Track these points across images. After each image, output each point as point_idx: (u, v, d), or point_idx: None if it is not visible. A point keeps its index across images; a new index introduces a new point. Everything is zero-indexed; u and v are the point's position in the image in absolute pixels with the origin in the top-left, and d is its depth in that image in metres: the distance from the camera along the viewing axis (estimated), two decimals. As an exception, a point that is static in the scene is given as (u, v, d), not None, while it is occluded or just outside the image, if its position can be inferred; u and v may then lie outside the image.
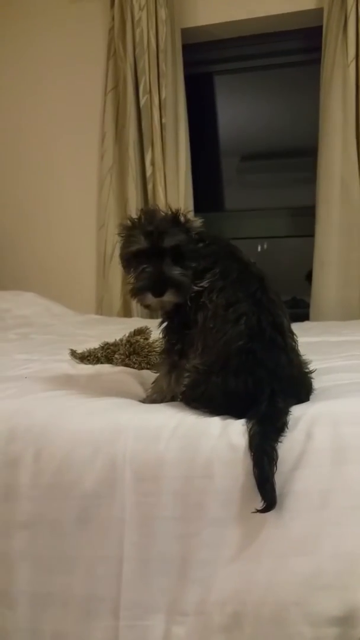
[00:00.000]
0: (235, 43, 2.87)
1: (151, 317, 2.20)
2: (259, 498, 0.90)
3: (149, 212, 1.14)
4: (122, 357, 1.55)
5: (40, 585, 1.03)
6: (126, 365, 1.52)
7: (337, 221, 2.50)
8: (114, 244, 2.81)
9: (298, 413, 1.00)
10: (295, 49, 2.88)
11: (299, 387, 1.08)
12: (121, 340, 1.62)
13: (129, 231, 1.14)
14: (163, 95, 2.67)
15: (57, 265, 3.02)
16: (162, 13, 2.64)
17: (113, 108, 2.80)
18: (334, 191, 2.49)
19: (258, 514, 0.90)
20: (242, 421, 0.99)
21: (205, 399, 1.05)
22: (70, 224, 3.01)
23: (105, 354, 1.59)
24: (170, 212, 1.13)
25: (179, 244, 1.09)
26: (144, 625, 0.97)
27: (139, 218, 1.14)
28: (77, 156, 2.96)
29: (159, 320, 1.19)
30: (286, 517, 0.92)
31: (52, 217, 3.04)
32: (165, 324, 1.17)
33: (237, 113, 3.23)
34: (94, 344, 1.68)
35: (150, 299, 1.09)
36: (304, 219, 2.74)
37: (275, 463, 0.91)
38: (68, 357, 1.62)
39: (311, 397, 1.09)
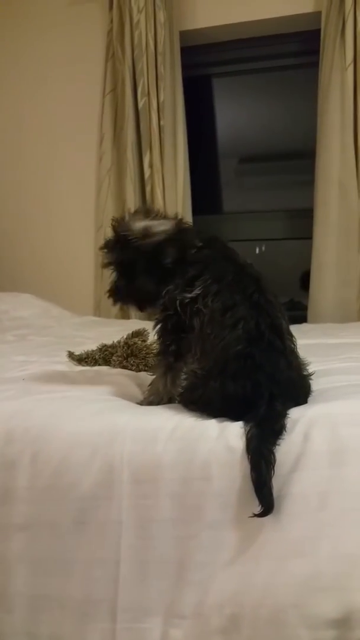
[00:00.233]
0: (234, 46, 2.87)
1: (149, 319, 2.20)
2: (257, 501, 0.90)
3: (115, 225, 1.22)
4: (120, 359, 1.54)
5: (37, 587, 1.02)
6: (124, 367, 1.52)
7: (335, 223, 2.50)
8: (112, 246, 2.80)
9: (296, 415, 1.00)
10: (293, 52, 2.89)
11: (298, 390, 1.08)
12: (119, 342, 1.62)
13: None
14: (161, 98, 2.67)
15: (55, 267, 3.02)
16: (161, 15, 2.65)
17: (111, 110, 2.80)
18: (331, 193, 2.49)
19: (256, 516, 0.90)
20: (240, 423, 0.99)
21: (203, 402, 1.05)
22: (69, 226, 3.01)
23: (103, 356, 1.59)
24: (121, 227, 1.22)
25: (122, 260, 1.22)
26: (141, 628, 0.97)
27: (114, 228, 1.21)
28: (75, 158, 2.96)
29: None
30: (284, 519, 0.92)
31: (50, 219, 3.03)
32: (159, 326, 1.17)
33: (236, 115, 3.23)
34: (91, 345, 1.68)
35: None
36: (302, 221, 2.74)
37: (273, 466, 0.91)
38: (66, 359, 1.62)
39: (309, 399, 1.09)
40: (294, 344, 1.10)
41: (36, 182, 3.04)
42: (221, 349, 1.04)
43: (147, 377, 1.34)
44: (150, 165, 2.71)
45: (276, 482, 0.91)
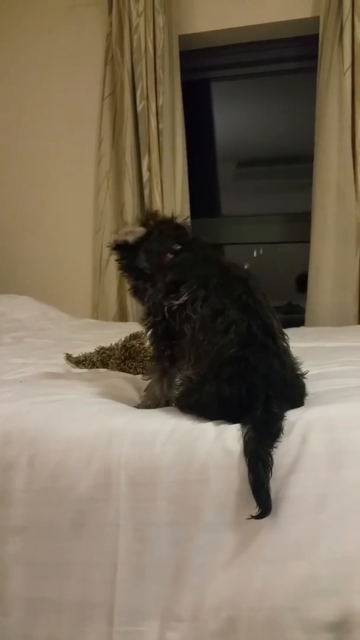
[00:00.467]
0: (232, 50, 2.88)
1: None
2: (254, 503, 0.90)
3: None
4: (118, 361, 1.54)
5: (34, 590, 1.02)
6: (122, 369, 1.52)
7: (332, 227, 2.51)
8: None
9: (293, 418, 1.00)
10: (292, 57, 2.90)
11: (293, 390, 1.07)
12: (117, 344, 1.62)
13: None
14: (160, 101, 2.68)
15: (53, 269, 3.02)
16: (160, 20, 2.66)
17: (110, 113, 2.81)
18: (329, 197, 2.50)
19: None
20: (237, 426, 0.99)
21: (200, 406, 1.04)
22: (67, 228, 3.01)
23: (100, 359, 1.59)
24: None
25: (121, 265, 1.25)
26: (138, 631, 0.97)
27: None
28: (74, 161, 2.97)
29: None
30: (282, 521, 0.92)
31: (48, 221, 3.04)
32: (150, 332, 1.18)
33: (234, 119, 3.24)
34: (89, 348, 1.68)
35: None
36: (299, 225, 2.75)
37: (271, 469, 0.91)
38: (63, 361, 1.61)
39: (306, 402, 1.09)
40: (286, 343, 1.10)
41: (35, 184, 3.04)
42: (215, 353, 1.04)
43: (145, 380, 1.34)
44: (149, 169, 2.71)
45: (274, 484, 0.91)
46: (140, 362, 1.52)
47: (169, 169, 2.71)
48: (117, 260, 1.25)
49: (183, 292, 1.10)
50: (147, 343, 1.45)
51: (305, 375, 1.13)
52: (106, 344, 1.65)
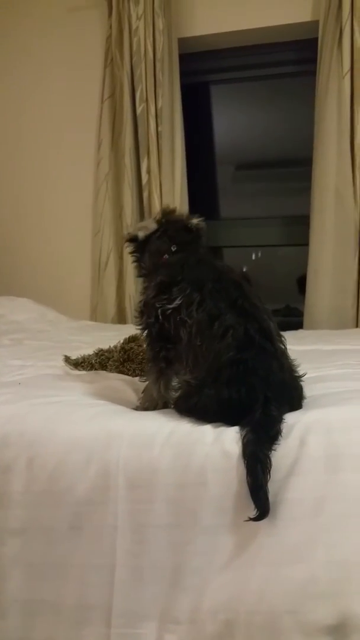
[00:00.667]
0: (232, 53, 2.89)
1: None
2: (253, 506, 0.90)
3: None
4: (116, 363, 1.54)
5: (32, 592, 1.02)
6: (120, 372, 1.52)
7: (331, 230, 2.51)
8: (108, 251, 2.81)
9: (292, 420, 1.00)
10: (291, 60, 2.91)
11: (291, 392, 1.07)
12: (115, 347, 1.62)
13: None
14: (159, 104, 2.68)
15: (52, 271, 3.02)
16: (160, 23, 2.66)
17: (110, 116, 2.81)
18: (328, 201, 2.51)
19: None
20: (235, 428, 0.99)
21: (199, 409, 1.04)
22: (66, 230, 3.01)
23: (99, 361, 1.59)
24: None
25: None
26: (136, 634, 0.97)
27: None
28: (73, 163, 2.97)
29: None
30: (280, 524, 0.92)
31: (47, 223, 3.04)
32: (145, 334, 1.18)
33: (233, 122, 3.25)
34: (88, 350, 1.68)
35: None
36: (298, 228, 2.75)
37: (269, 471, 0.91)
38: (62, 363, 1.61)
39: (305, 405, 1.09)
40: (284, 345, 1.10)
41: (34, 186, 3.04)
42: (213, 357, 1.04)
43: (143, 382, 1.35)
44: (148, 171, 2.71)
45: (272, 487, 0.91)
46: (139, 364, 1.52)
47: (168, 171, 2.71)
48: (129, 253, 1.27)
49: (175, 294, 1.10)
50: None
51: (304, 378, 1.13)
52: (105, 346, 1.65)
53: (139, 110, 2.71)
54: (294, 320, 2.68)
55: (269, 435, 0.95)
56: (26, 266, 3.04)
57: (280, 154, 3.16)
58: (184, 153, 2.76)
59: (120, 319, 2.79)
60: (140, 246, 1.24)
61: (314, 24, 2.53)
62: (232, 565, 0.93)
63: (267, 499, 0.90)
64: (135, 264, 1.28)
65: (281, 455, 0.94)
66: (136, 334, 1.70)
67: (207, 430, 1.01)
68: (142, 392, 1.21)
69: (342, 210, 2.49)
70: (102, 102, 2.83)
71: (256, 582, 0.92)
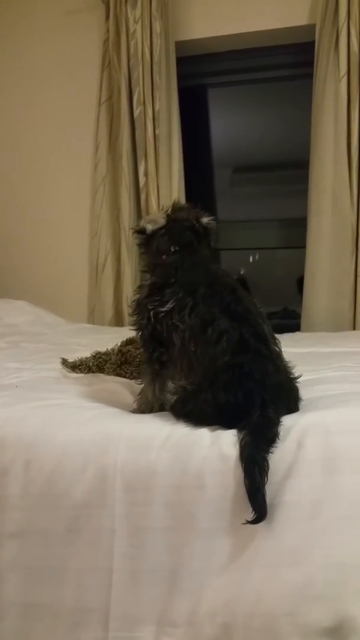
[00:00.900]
0: (229, 56, 2.89)
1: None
2: (250, 508, 0.90)
3: None
4: (114, 366, 1.54)
5: (29, 596, 1.02)
6: (118, 374, 1.52)
7: (328, 233, 2.52)
8: (106, 253, 2.81)
9: (289, 423, 1.00)
10: (288, 63, 2.92)
11: (288, 393, 1.08)
12: (113, 349, 1.62)
13: None
14: (157, 107, 2.69)
15: (50, 274, 3.02)
16: (157, 26, 2.67)
17: (107, 118, 2.81)
18: (325, 204, 2.51)
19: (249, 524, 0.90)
20: (233, 431, 0.99)
21: (196, 414, 1.04)
22: (63, 233, 3.01)
23: (96, 363, 1.59)
24: None
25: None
26: (133, 637, 0.97)
27: None
28: (71, 165, 2.97)
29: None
30: (277, 527, 0.92)
31: (45, 226, 3.04)
32: (139, 335, 1.18)
33: (230, 125, 3.25)
34: (85, 353, 1.68)
35: None
36: (295, 231, 2.76)
37: (267, 474, 0.91)
38: (59, 366, 1.61)
39: (302, 407, 1.09)
40: (278, 347, 1.10)
41: (31, 189, 3.04)
42: (208, 362, 1.04)
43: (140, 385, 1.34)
44: (146, 174, 2.72)
45: (269, 490, 0.91)
46: (137, 367, 1.52)
47: (166, 174, 2.72)
48: (137, 244, 1.26)
49: (168, 297, 1.10)
50: (141, 347, 1.46)
51: (301, 381, 1.13)
52: (102, 349, 1.65)
53: (136, 113, 2.72)
54: (292, 322, 2.68)
55: (267, 438, 0.95)
56: (23, 268, 3.03)
57: (278, 156, 3.17)
58: (182, 156, 2.76)
59: (118, 321, 2.79)
60: (147, 240, 1.23)
61: (311, 28, 2.54)
62: (230, 567, 0.93)
63: (264, 501, 0.90)
64: (142, 255, 1.27)
65: (278, 457, 0.94)
66: (133, 336, 1.70)
67: (205, 433, 1.01)
68: (138, 395, 1.21)
69: (338, 212, 2.49)
70: (99, 104, 2.83)
71: (254, 584, 0.92)
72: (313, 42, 2.52)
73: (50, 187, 3.01)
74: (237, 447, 0.96)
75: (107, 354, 1.61)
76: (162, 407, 1.16)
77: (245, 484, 0.91)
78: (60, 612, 1.00)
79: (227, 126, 3.24)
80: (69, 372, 1.58)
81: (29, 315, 2.55)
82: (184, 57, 2.78)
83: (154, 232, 1.20)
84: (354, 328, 2.50)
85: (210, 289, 1.09)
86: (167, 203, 2.68)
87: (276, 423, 0.98)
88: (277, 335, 1.13)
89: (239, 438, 0.97)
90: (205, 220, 1.24)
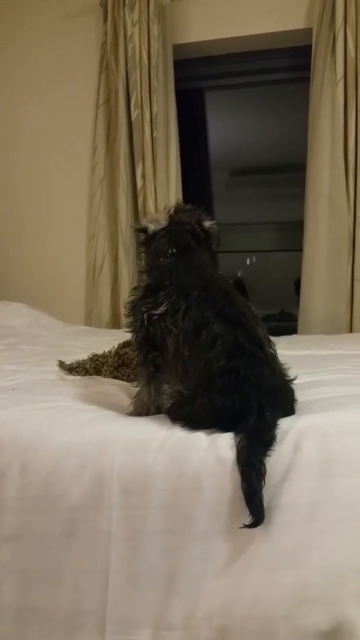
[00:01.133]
0: (226, 60, 2.90)
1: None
2: (247, 511, 0.90)
3: None
4: (111, 368, 1.54)
5: (25, 599, 1.01)
6: (115, 377, 1.52)
7: (325, 236, 2.52)
8: (103, 256, 2.81)
9: (286, 426, 1.00)
10: (285, 67, 2.93)
11: (284, 396, 1.07)
12: (110, 352, 1.62)
13: None
14: (154, 110, 2.69)
15: (47, 276, 3.01)
16: (155, 29, 2.67)
17: (105, 121, 2.82)
18: (321, 207, 2.52)
19: (246, 527, 0.90)
20: (230, 434, 0.99)
21: (192, 418, 1.04)
22: (61, 235, 3.01)
23: (93, 366, 1.58)
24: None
25: None
26: (130, 640, 0.96)
27: None
28: (68, 168, 2.97)
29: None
30: (274, 530, 0.92)
31: (42, 228, 3.04)
32: (133, 337, 1.18)
33: (228, 128, 3.26)
34: (82, 355, 1.67)
35: None
36: (292, 234, 2.76)
37: (264, 477, 0.91)
38: (56, 368, 1.61)
39: (299, 410, 1.09)
40: (273, 349, 1.10)
41: (29, 191, 3.04)
42: (204, 367, 1.04)
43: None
44: (143, 177, 2.72)
45: (266, 493, 0.91)
46: (134, 369, 1.51)
47: (163, 177, 2.72)
48: (138, 243, 1.26)
49: (161, 299, 1.10)
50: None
51: (298, 384, 1.13)
52: (99, 351, 1.65)
53: (134, 115, 2.72)
54: (289, 325, 2.68)
55: (264, 441, 0.95)
56: (21, 270, 3.03)
57: (275, 159, 3.18)
58: (179, 158, 2.76)
59: (115, 323, 2.79)
60: (148, 240, 1.22)
61: (308, 32, 2.55)
62: (227, 570, 0.93)
63: (262, 505, 0.90)
64: (142, 255, 1.27)
65: (275, 460, 0.94)
66: (130, 339, 1.70)
67: (202, 436, 1.01)
68: (134, 397, 1.20)
69: (335, 216, 2.50)
70: (97, 107, 2.83)
71: (251, 587, 0.91)
72: (310, 46, 2.54)
73: (47, 189, 3.01)
74: (234, 450, 0.96)
75: (104, 356, 1.61)
76: (158, 410, 1.16)
77: (243, 488, 0.91)
78: (57, 616, 0.99)
79: (224, 129, 3.25)
80: (66, 374, 1.58)
81: (26, 318, 2.55)
82: (182, 60, 2.79)
83: (155, 233, 1.20)
84: (351, 331, 2.51)
85: (204, 292, 1.09)
86: (164, 206, 2.70)
87: (273, 426, 0.98)
88: (273, 338, 1.13)
89: (236, 441, 0.97)
90: (207, 223, 1.24)
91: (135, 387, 1.21)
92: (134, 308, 1.16)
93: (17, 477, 1.04)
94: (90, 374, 1.56)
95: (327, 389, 1.24)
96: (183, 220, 1.22)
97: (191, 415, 1.04)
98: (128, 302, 1.19)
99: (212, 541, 0.94)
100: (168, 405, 1.13)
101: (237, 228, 3.13)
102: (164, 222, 1.20)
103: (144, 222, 1.23)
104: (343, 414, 1.05)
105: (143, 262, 1.26)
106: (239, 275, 3.24)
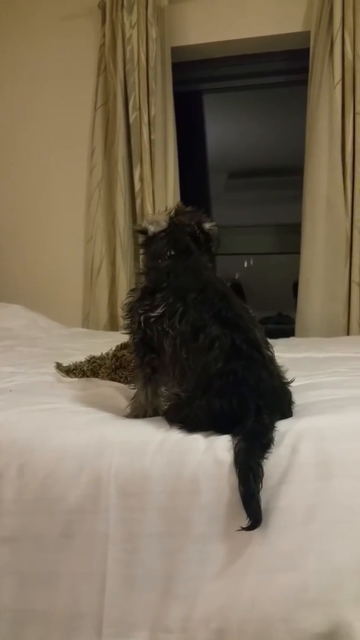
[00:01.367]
0: (225, 62, 2.91)
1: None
2: (245, 514, 0.90)
3: None
4: (108, 371, 1.54)
5: (22, 601, 1.01)
6: (112, 379, 1.51)
7: (322, 239, 2.53)
8: (101, 258, 2.81)
9: (283, 428, 1.00)
10: (283, 70, 2.93)
11: (282, 398, 1.08)
12: (107, 354, 1.62)
13: None
14: (152, 112, 2.69)
15: (45, 278, 3.01)
16: (153, 31, 2.68)
17: (103, 124, 2.82)
18: (319, 210, 2.52)
19: (243, 529, 0.90)
20: (228, 437, 0.99)
21: (190, 421, 1.04)
22: (59, 237, 3.01)
23: (91, 368, 1.58)
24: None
25: None
26: (127, 643, 0.96)
27: None
28: (66, 170, 2.97)
29: None
30: (271, 532, 0.92)
31: (40, 230, 3.03)
32: (130, 339, 1.18)
33: (226, 131, 3.27)
34: (80, 357, 1.67)
35: None
36: (290, 236, 2.77)
37: (261, 480, 0.91)
38: (54, 370, 1.61)
39: (296, 412, 1.09)
40: (270, 351, 1.10)
41: (27, 193, 3.04)
42: (201, 369, 1.04)
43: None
44: (141, 179, 2.72)
45: (264, 495, 0.91)
46: (131, 371, 1.52)
47: (161, 179, 2.72)
48: (138, 244, 1.25)
49: (159, 301, 1.10)
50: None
51: (296, 386, 1.13)
52: (97, 353, 1.65)
53: (132, 118, 2.72)
54: (286, 327, 2.68)
55: (261, 444, 0.95)
56: (18, 272, 3.03)
57: (273, 162, 3.18)
58: (177, 161, 2.76)
59: (113, 325, 2.78)
60: (147, 241, 1.22)
61: (306, 35, 2.55)
62: (224, 573, 0.93)
63: (259, 508, 0.90)
64: (141, 256, 1.27)
65: (273, 463, 0.95)
66: (128, 341, 1.70)
67: (200, 438, 1.01)
68: (131, 400, 1.20)
69: (333, 218, 2.50)
70: (95, 109, 2.83)
71: (248, 590, 0.91)
72: (308, 49, 2.54)
73: (45, 191, 3.01)
74: (232, 452, 0.96)
75: (101, 358, 1.61)
76: (156, 412, 1.16)
77: (240, 491, 0.91)
78: (54, 618, 0.99)
79: (222, 132, 3.26)
80: (63, 376, 1.57)
81: (24, 319, 2.55)
82: (180, 63, 2.80)
83: (155, 235, 1.20)
84: (348, 333, 2.51)
85: (202, 294, 1.09)
86: (161, 208, 2.69)
87: (271, 429, 0.98)
88: (271, 341, 1.13)
89: (233, 444, 0.97)
90: (207, 225, 1.24)
91: (133, 389, 1.21)
92: (132, 310, 1.16)
93: (15, 479, 1.04)
94: (87, 376, 1.56)
95: (324, 392, 1.24)
96: (183, 222, 1.22)
97: (189, 417, 1.04)
98: (126, 304, 1.19)
99: (210, 543, 0.94)
100: (165, 407, 1.13)
101: (235, 230, 3.13)
102: (164, 224, 1.20)
103: (144, 223, 1.23)
104: (340, 417, 1.05)
105: (141, 263, 1.26)
106: (236, 277, 3.24)
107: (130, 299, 1.18)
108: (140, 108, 2.70)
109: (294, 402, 1.11)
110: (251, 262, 3.22)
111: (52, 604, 1.00)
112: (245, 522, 0.89)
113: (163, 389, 1.16)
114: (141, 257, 1.26)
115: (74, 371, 1.58)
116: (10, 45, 3.01)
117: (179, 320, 1.07)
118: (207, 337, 1.04)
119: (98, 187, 2.82)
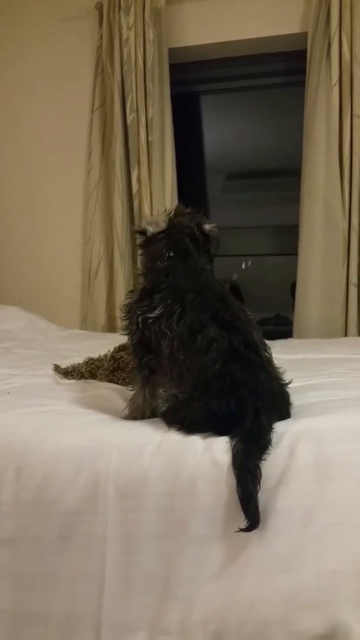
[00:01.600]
0: (222, 64, 2.91)
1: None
2: (243, 515, 0.90)
3: None
4: (106, 372, 1.54)
5: (21, 603, 1.01)
6: (110, 381, 1.52)
7: (320, 240, 2.53)
8: (99, 259, 2.81)
9: (281, 430, 1.00)
10: (280, 71, 2.94)
11: (279, 400, 1.08)
12: (105, 355, 1.62)
13: None
14: (150, 114, 2.70)
15: (43, 280, 3.01)
16: (150, 33, 2.68)
17: (100, 125, 2.82)
18: (317, 211, 2.52)
19: (241, 531, 0.90)
20: (226, 438, 0.99)
21: (188, 422, 1.04)
22: (56, 239, 3.01)
23: (89, 370, 1.58)
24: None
25: None
26: (125, 645, 0.96)
27: None
28: (64, 172, 2.97)
29: None
30: (269, 534, 0.92)
31: (38, 231, 3.03)
32: (129, 341, 1.18)
33: (223, 132, 3.27)
34: (78, 359, 1.67)
35: None
36: (287, 238, 2.77)
37: (259, 481, 0.91)
38: (52, 372, 1.61)
39: (294, 413, 1.10)
40: (268, 353, 1.10)
41: (24, 195, 3.04)
42: (199, 371, 1.04)
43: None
44: (139, 180, 2.72)
45: (262, 496, 0.91)
46: (129, 373, 1.52)
47: (159, 180, 2.72)
48: (137, 245, 1.25)
49: (157, 302, 1.10)
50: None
51: (294, 387, 1.13)
52: (95, 355, 1.65)
53: (129, 119, 2.72)
54: (284, 329, 2.69)
55: (259, 445, 0.95)
56: (16, 274, 3.03)
57: (270, 164, 3.19)
58: (174, 162, 2.77)
59: (110, 327, 2.78)
60: (147, 242, 1.22)
61: (303, 36, 2.56)
62: (222, 575, 0.93)
63: (257, 509, 0.90)
64: (140, 257, 1.27)
65: (271, 464, 0.95)
66: (126, 343, 1.70)
67: (197, 440, 1.01)
68: (129, 401, 1.20)
69: (330, 220, 2.51)
70: (92, 111, 2.84)
71: (246, 591, 0.91)
72: (305, 50, 2.54)
73: (43, 193, 3.01)
74: (230, 454, 0.96)
75: (99, 360, 1.61)
76: (154, 413, 1.16)
77: (238, 492, 0.91)
78: (52, 620, 0.99)
79: (219, 133, 3.26)
80: (61, 378, 1.57)
81: (22, 321, 2.54)
82: (177, 64, 2.80)
83: (154, 236, 1.20)
84: (346, 334, 2.51)
85: (199, 296, 1.09)
86: (159, 210, 2.69)
87: (269, 430, 0.98)
88: (269, 342, 1.13)
89: (231, 445, 0.97)
90: (207, 227, 1.24)
91: (131, 390, 1.21)
92: (130, 311, 1.16)
93: (12, 481, 1.04)
94: (85, 378, 1.56)
95: (322, 393, 1.25)
96: (182, 224, 1.22)
97: (187, 419, 1.04)
98: (124, 305, 1.19)
99: (208, 545, 0.94)
100: (163, 409, 1.13)
101: (233, 232, 3.13)
102: (163, 225, 1.20)
103: (143, 224, 1.23)
104: (338, 418, 1.05)
105: (139, 264, 1.26)
106: (234, 279, 3.24)
107: (129, 300, 1.18)
108: (137, 109, 2.70)
109: (292, 404, 1.11)
110: (249, 263, 3.22)
111: (50, 606, 0.99)
112: (243, 523, 0.89)
113: (161, 390, 1.16)
114: (139, 258, 1.26)
115: (72, 373, 1.58)
116: (8, 47, 3.01)
117: (176, 321, 1.07)
118: (205, 338, 1.04)
119: (95, 189, 2.82)
